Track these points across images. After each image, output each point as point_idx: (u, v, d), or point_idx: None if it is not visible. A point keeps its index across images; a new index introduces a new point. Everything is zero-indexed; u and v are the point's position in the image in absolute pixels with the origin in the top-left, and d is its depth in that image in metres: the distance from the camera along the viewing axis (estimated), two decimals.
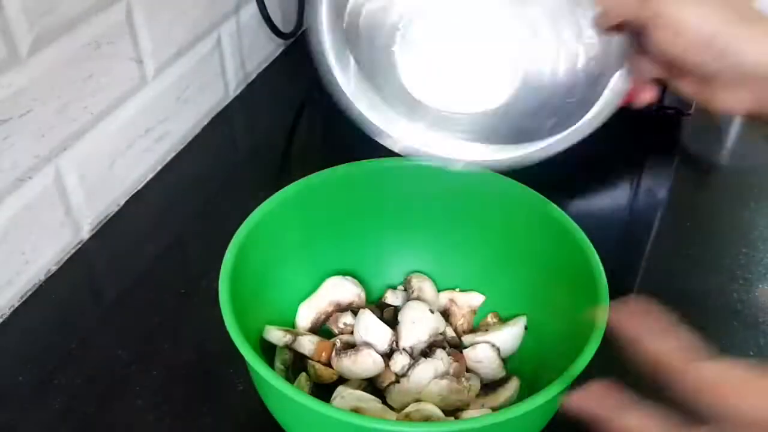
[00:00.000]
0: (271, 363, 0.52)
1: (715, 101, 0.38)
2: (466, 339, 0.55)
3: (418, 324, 0.52)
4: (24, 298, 0.61)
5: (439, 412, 0.48)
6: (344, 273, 0.58)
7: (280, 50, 0.96)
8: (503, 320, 0.56)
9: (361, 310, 0.54)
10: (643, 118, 0.82)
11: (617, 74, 0.33)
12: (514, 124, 0.30)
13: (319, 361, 0.52)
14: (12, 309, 0.60)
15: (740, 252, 0.67)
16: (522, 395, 0.50)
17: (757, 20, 0.35)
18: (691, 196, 0.77)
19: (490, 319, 0.57)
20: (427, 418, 0.47)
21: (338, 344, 0.52)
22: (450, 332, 0.55)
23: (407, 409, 0.48)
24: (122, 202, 0.71)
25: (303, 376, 0.52)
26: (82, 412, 0.53)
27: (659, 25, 0.36)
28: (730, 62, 0.35)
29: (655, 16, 0.36)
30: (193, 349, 0.58)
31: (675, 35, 0.35)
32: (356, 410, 0.47)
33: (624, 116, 0.82)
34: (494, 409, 0.49)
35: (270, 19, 0.85)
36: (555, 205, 0.51)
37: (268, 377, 0.41)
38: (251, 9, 0.86)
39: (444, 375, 0.51)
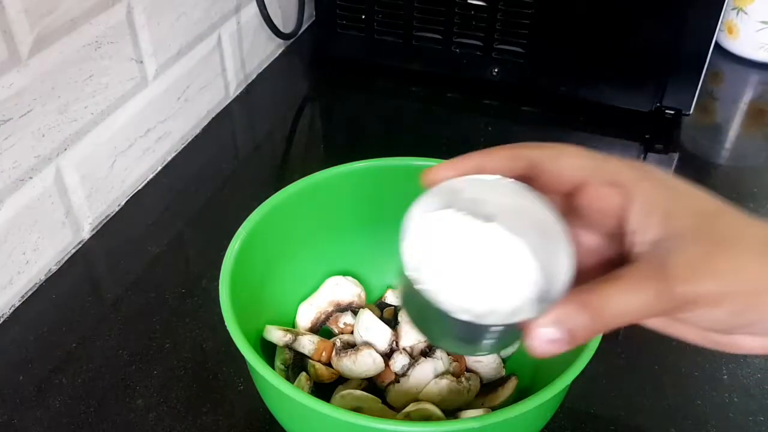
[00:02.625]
0: (271, 363, 0.52)
1: (733, 346, 0.35)
2: None
3: None
4: (24, 298, 0.62)
5: (438, 412, 0.48)
6: (344, 273, 0.58)
7: (281, 50, 0.96)
8: None
9: (361, 310, 0.54)
10: (643, 118, 0.82)
11: None
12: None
13: (319, 361, 0.52)
14: (12, 309, 0.61)
15: None
16: (522, 395, 0.50)
17: None
18: None
19: None
20: (426, 418, 0.47)
21: (338, 344, 0.52)
22: None
23: (407, 409, 0.48)
24: (123, 202, 0.72)
25: (303, 375, 0.52)
26: (82, 412, 0.53)
27: (699, 305, 0.31)
28: (759, 312, 0.31)
29: (689, 302, 0.30)
30: (193, 348, 0.58)
31: (716, 306, 0.31)
32: (356, 410, 0.47)
33: (624, 116, 0.82)
34: (494, 409, 0.49)
35: (270, 19, 0.85)
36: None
37: (268, 377, 0.41)
38: (252, 9, 0.86)
39: (444, 375, 0.51)
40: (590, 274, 0.33)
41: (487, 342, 0.33)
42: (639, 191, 0.32)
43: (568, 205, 0.35)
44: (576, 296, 0.30)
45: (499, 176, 0.34)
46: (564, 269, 0.32)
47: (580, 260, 0.33)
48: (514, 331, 0.32)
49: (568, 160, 0.34)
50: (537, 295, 0.33)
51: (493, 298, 0.33)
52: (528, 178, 0.34)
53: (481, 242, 0.35)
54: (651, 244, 0.31)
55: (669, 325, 0.36)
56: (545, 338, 0.30)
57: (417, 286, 0.32)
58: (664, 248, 0.31)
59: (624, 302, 0.30)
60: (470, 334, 0.33)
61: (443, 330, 0.33)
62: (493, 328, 0.32)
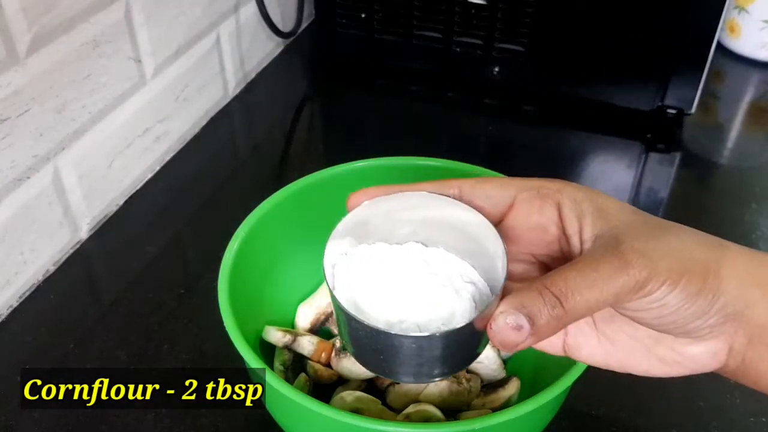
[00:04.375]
0: (270, 363, 0.52)
1: (679, 359, 0.36)
2: None
3: None
4: (22, 299, 0.61)
5: (439, 413, 0.48)
6: None
7: (280, 49, 0.96)
8: None
9: None
10: (643, 118, 0.82)
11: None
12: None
13: (318, 362, 0.52)
14: (10, 309, 0.60)
15: None
16: (522, 396, 0.50)
17: (720, 245, 0.32)
18: (691, 196, 0.77)
19: None
20: (427, 419, 0.47)
21: (338, 345, 0.52)
22: None
23: (407, 410, 0.48)
24: (121, 202, 0.71)
25: (302, 376, 0.52)
26: (81, 412, 0.53)
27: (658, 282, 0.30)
28: (716, 296, 0.31)
29: (650, 278, 0.30)
30: (193, 349, 0.57)
31: (674, 284, 0.30)
32: (356, 411, 0.47)
33: (625, 115, 0.82)
34: (495, 410, 0.49)
35: (269, 18, 0.85)
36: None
37: (267, 378, 0.41)
38: (251, 8, 0.85)
39: None
40: None
41: (443, 355, 0.32)
42: (565, 198, 0.33)
43: (506, 232, 0.35)
44: (535, 282, 0.30)
45: (400, 192, 0.35)
46: (500, 261, 0.32)
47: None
48: (469, 337, 0.31)
49: (494, 182, 0.35)
50: (477, 295, 0.33)
51: (431, 310, 0.32)
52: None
53: (402, 265, 0.35)
54: (594, 240, 0.31)
55: (618, 350, 0.36)
56: (507, 326, 0.29)
57: (359, 321, 0.31)
58: (610, 238, 0.31)
59: (583, 281, 0.29)
60: (423, 351, 0.31)
61: (396, 358, 0.32)
62: (443, 337, 0.31)
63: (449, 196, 0.35)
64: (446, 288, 0.33)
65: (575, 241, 0.33)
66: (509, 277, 0.32)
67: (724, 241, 0.33)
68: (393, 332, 0.31)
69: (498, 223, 0.35)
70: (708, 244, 0.32)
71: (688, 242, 0.31)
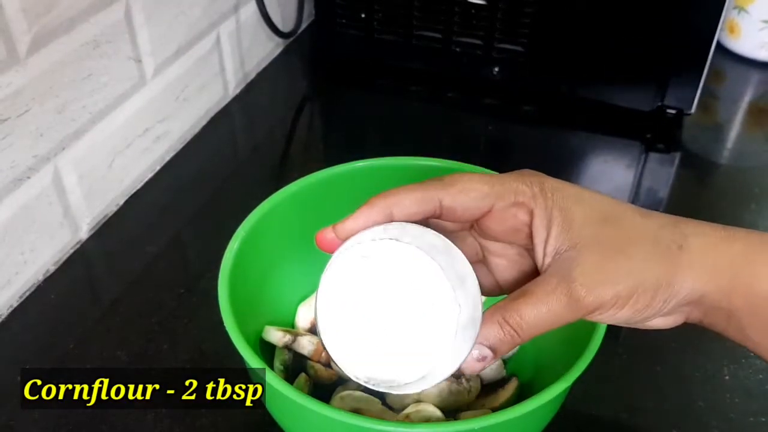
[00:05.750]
0: (270, 363, 0.52)
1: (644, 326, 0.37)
2: None
3: None
4: (22, 299, 0.61)
5: (439, 413, 0.48)
6: None
7: (280, 49, 0.96)
8: None
9: None
10: (643, 117, 0.82)
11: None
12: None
13: (318, 362, 0.52)
14: (10, 309, 0.60)
15: None
16: (522, 396, 0.50)
17: (679, 249, 0.34)
18: (691, 196, 0.77)
19: None
20: (426, 419, 0.47)
21: None
22: None
23: (407, 410, 0.48)
24: (121, 202, 0.71)
25: (302, 376, 0.52)
26: (81, 412, 0.53)
27: (605, 309, 0.34)
28: (669, 299, 0.34)
29: (596, 308, 0.34)
30: (193, 349, 0.57)
31: (620, 308, 0.34)
32: (356, 411, 0.47)
33: (625, 115, 0.82)
34: (494, 410, 0.49)
35: (269, 18, 0.85)
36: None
37: (267, 378, 0.41)
38: (251, 8, 0.85)
39: None
40: (515, 285, 0.38)
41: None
42: (537, 207, 0.36)
43: (481, 228, 0.38)
44: (493, 315, 0.34)
45: (381, 228, 0.35)
46: (475, 297, 0.33)
47: (504, 273, 0.39)
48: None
49: (471, 194, 0.36)
50: (459, 331, 0.33)
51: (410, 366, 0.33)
52: (439, 216, 0.37)
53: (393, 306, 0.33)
54: (554, 255, 0.35)
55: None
56: (473, 359, 0.34)
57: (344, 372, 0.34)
58: (566, 259, 0.34)
59: (536, 315, 0.33)
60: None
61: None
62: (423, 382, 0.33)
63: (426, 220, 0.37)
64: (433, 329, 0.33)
65: (539, 251, 0.36)
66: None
67: (682, 239, 0.35)
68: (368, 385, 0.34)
69: (474, 221, 0.38)
70: (662, 255, 0.34)
71: (640, 262, 0.34)
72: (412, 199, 0.36)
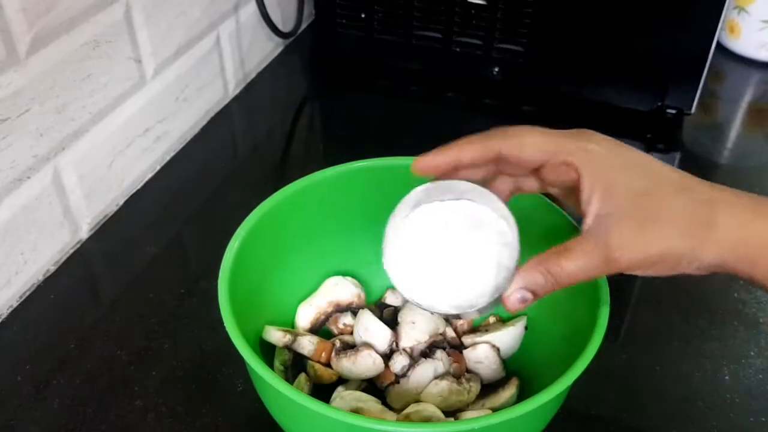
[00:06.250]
0: (270, 363, 0.52)
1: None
2: (467, 339, 0.54)
3: (418, 324, 0.52)
4: (23, 299, 0.61)
5: (439, 413, 0.48)
6: (344, 273, 0.58)
7: (280, 49, 0.96)
8: (504, 321, 0.56)
9: (361, 311, 0.54)
10: (643, 117, 0.82)
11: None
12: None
13: (318, 362, 0.52)
14: (10, 309, 0.60)
15: None
16: (523, 396, 0.50)
17: (708, 227, 0.38)
18: None
19: (491, 319, 0.57)
20: (426, 419, 0.47)
21: (338, 344, 0.52)
22: (450, 333, 0.55)
23: (407, 410, 0.48)
24: (121, 202, 0.71)
25: (302, 376, 0.52)
26: (81, 412, 0.53)
27: (633, 269, 0.39)
28: (691, 264, 0.39)
29: (626, 269, 0.39)
30: (193, 349, 0.57)
31: (648, 268, 0.39)
32: (355, 411, 0.47)
33: (625, 115, 0.82)
34: (494, 410, 0.49)
35: (269, 18, 0.85)
36: (555, 205, 0.51)
37: (266, 377, 0.41)
38: (250, 8, 0.85)
39: (444, 376, 0.51)
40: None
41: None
42: (585, 171, 0.40)
43: (538, 176, 0.43)
44: (538, 264, 0.39)
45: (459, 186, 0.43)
46: (514, 250, 0.41)
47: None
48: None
49: (529, 147, 0.42)
50: (501, 276, 0.41)
51: (471, 288, 0.42)
52: (498, 163, 0.43)
53: (453, 249, 0.43)
54: (594, 217, 0.39)
55: None
56: (517, 300, 0.40)
57: (411, 300, 0.42)
58: (605, 224, 0.39)
59: (575, 267, 0.39)
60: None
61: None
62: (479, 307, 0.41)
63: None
64: (480, 265, 0.42)
65: (583, 208, 0.40)
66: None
67: (713, 216, 0.38)
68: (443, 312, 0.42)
69: (532, 171, 0.43)
70: (691, 230, 0.38)
71: (670, 234, 0.38)
72: (476, 148, 0.43)
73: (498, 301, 0.41)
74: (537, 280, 0.39)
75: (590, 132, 0.42)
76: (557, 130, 0.43)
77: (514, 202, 0.45)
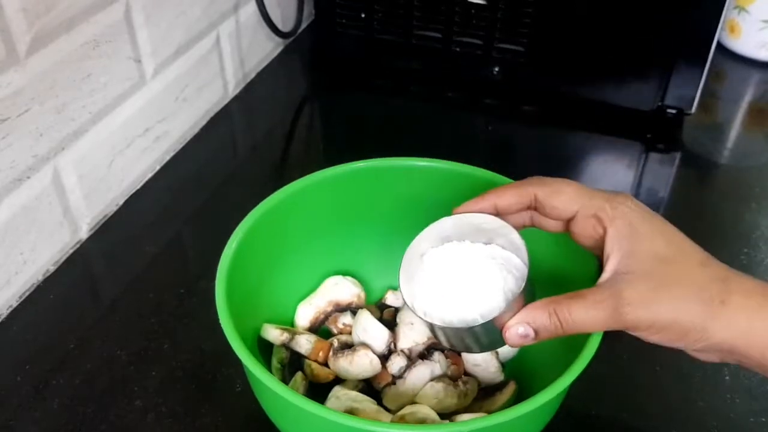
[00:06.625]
0: (269, 362, 0.52)
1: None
2: None
3: (416, 326, 0.52)
4: (22, 299, 0.61)
5: (434, 415, 0.48)
6: (345, 273, 0.58)
7: (280, 49, 0.96)
8: None
9: (360, 311, 0.54)
10: (643, 117, 0.82)
11: None
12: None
13: (315, 361, 0.52)
14: (10, 309, 0.60)
15: (741, 252, 0.67)
16: (520, 400, 0.50)
17: (721, 304, 0.39)
18: (691, 196, 0.77)
19: None
20: (421, 421, 0.47)
21: (336, 344, 0.52)
22: None
23: (402, 411, 0.48)
24: (121, 202, 0.71)
25: (299, 375, 0.51)
26: (80, 412, 0.53)
27: (641, 330, 0.40)
28: (700, 340, 0.39)
29: (633, 327, 0.40)
30: (193, 349, 0.57)
31: (655, 333, 0.40)
32: (350, 411, 0.47)
33: (626, 115, 0.82)
34: (490, 414, 0.49)
35: (269, 18, 0.85)
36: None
37: (260, 375, 0.41)
38: (250, 8, 0.85)
39: (440, 378, 0.50)
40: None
41: (486, 339, 0.43)
42: (612, 228, 0.41)
43: (568, 228, 0.45)
44: (546, 305, 0.40)
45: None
46: (521, 275, 0.42)
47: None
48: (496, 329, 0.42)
49: (563, 197, 0.43)
50: (506, 297, 0.42)
51: (478, 304, 0.43)
52: (533, 210, 0.45)
53: (463, 267, 0.44)
54: (612, 273, 0.40)
55: None
56: (517, 333, 0.40)
57: (436, 325, 0.43)
58: (621, 281, 0.39)
59: (583, 316, 0.39)
60: (478, 335, 0.43)
61: (464, 339, 0.44)
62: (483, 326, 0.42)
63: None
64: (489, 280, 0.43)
65: (604, 263, 0.41)
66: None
67: (726, 295, 0.39)
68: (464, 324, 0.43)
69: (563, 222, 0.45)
70: (704, 304, 0.39)
71: (682, 303, 0.39)
72: (513, 193, 0.44)
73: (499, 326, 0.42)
74: (542, 320, 0.40)
75: (626, 194, 0.43)
76: (594, 189, 0.44)
77: (546, 236, 0.46)
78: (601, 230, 0.42)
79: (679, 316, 0.39)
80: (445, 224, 0.46)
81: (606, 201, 0.42)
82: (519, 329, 0.40)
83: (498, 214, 0.45)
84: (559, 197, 0.43)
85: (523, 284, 0.41)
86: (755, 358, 0.39)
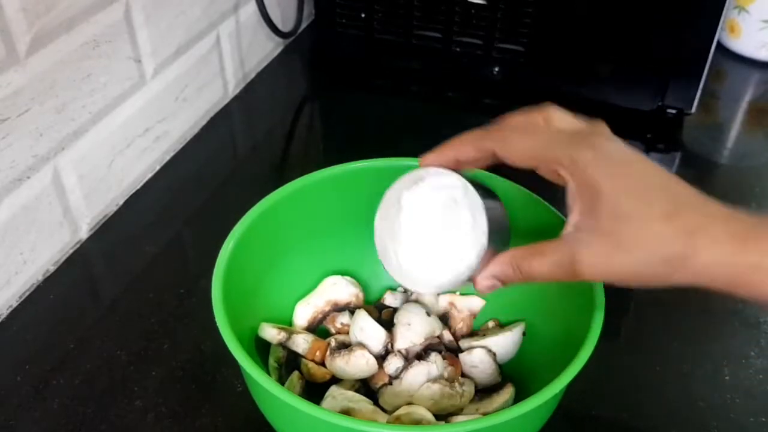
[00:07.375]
0: (266, 361, 0.52)
1: None
2: (463, 343, 0.54)
3: (414, 326, 0.52)
4: (22, 299, 0.61)
5: (430, 416, 0.48)
6: (344, 273, 0.58)
7: (280, 49, 0.96)
8: (503, 326, 0.56)
9: (357, 311, 0.54)
10: (643, 117, 0.82)
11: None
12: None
13: (312, 360, 0.52)
14: (10, 309, 0.60)
15: None
16: (517, 402, 0.50)
17: (684, 259, 0.37)
18: None
19: (490, 324, 0.56)
20: (417, 422, 0.47)
21: (333, 344, 0.52)
22: (447, 336, 0.55)
23: (398, 412, 0.48)
24: (121, 202, 0.71)
25: (295, 374, 0.51)
26: (80, 412, 0.53)
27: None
28: (667, 284, 0.39)
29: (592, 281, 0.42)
30: (192, 349, 0.57)
31: (617, 284, 0.40)
32: (346, 411, 0.47)
33: (626, 115, 0.82)
34: (487, 415, 0.48)
35: (269, 18, 0.85)
36: (554, 209, 0.51)
37: (254, 374, 0.41)
38: (250, 8, 0.85)
39: (437, 379, 0.50)
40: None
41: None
42: (571, 183, 0.40)
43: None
44: (511, 259, 0.42)
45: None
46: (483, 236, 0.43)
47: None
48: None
49: (518, 152, 0.42)
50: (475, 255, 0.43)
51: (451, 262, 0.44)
52: (494, 159, 0.44)
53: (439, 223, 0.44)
54: (573, 226, 0.40)
55: None
56: (486, 284, 0.43)
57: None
58: (578, 240, 0.39)
59: (541, 269, 0.41)
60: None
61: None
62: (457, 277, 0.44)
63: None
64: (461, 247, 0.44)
65: (567, 213, 0.41)
66: None
67: (692, 252, 0.37)
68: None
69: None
70: (664, 263, 0.38)
71: (640, 264, 0.38)
72: (472, 148, 0.45)
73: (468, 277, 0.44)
74: (507, 273, 0.42)
75: (596, 133, 0.40)
76: (569, 118, 0.42)
77: (508, 195, 0.47)
78: (563, 181, 0.40)
79: (639, 271, 0.38)
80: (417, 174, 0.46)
81: (566, 149, 0.40)
82: (488, 282, 0.43)
83: (462, 166, 0.45)
84: (516, 153, 0.42)
85: (485, 240, 0.43)
86: (723, 291, 0.38)
